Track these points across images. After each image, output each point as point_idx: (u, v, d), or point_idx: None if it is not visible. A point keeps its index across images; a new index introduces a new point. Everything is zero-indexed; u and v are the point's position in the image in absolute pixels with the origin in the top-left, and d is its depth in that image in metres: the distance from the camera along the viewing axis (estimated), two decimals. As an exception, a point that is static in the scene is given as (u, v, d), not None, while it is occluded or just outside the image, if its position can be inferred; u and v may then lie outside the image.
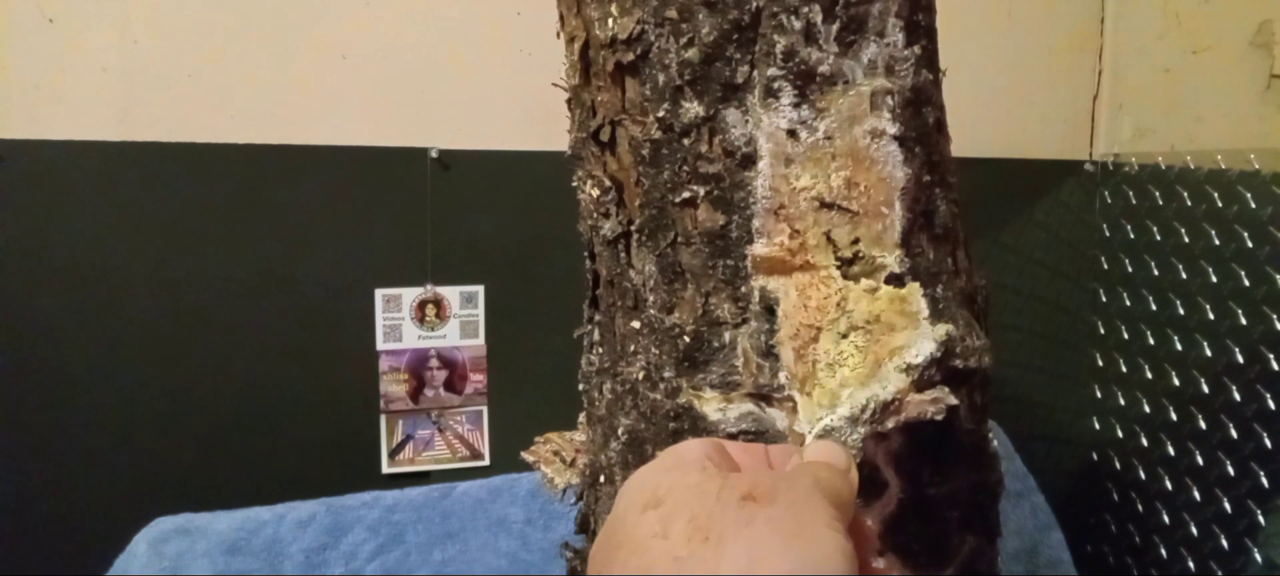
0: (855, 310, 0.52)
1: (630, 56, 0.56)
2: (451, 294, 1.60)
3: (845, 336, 0.52)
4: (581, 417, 0.81)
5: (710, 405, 0.56)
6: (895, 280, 0.54)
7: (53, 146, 1.38)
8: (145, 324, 1.44)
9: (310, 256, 1.52)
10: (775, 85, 0.53)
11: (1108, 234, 1.92)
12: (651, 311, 0.59)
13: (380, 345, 1.56)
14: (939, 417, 0.48)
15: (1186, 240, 1.70)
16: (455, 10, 1.57)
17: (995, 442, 0.63)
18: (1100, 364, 1.93)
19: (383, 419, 1.58)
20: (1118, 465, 1.88)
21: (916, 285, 0.53)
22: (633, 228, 0.60)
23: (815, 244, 0.54)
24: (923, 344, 0.49)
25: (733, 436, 0.55)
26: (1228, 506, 1.58)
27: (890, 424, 0.49)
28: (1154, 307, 1.78)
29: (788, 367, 0.53)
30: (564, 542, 0.86)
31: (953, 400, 0.48)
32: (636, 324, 0.61)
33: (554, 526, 1.45)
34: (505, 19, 1.58)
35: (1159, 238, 1.77)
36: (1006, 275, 1.93)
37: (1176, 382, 1.71)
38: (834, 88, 0.53)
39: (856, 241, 0.54)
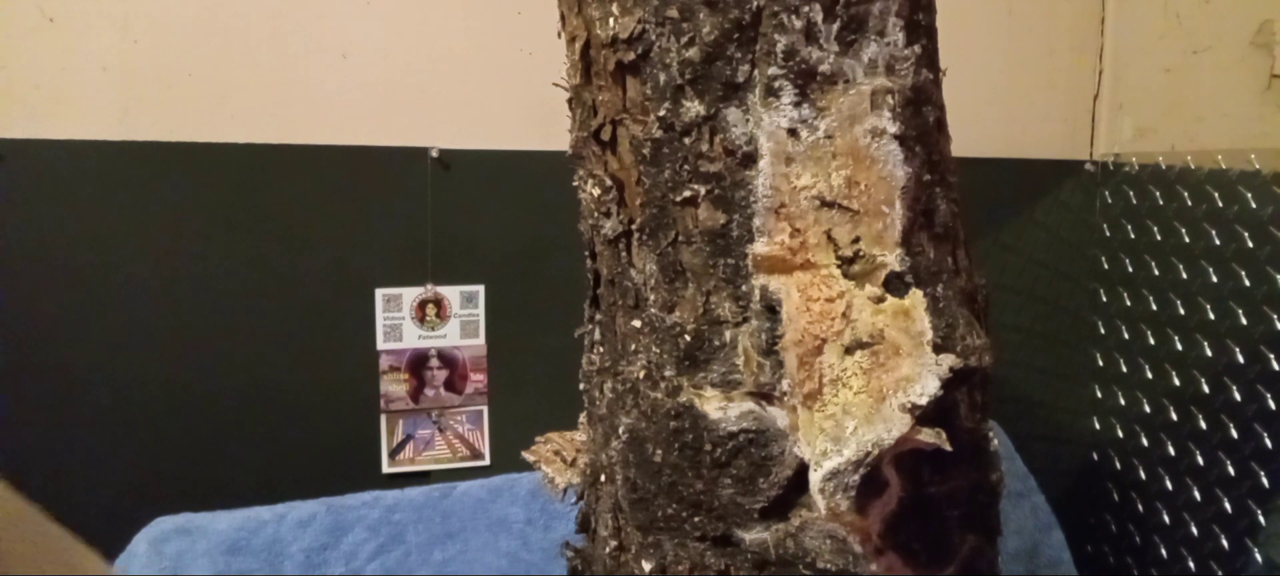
0: (859, 321, 0.52)
1: (631, 56, 0.56)
2: (451, 294, 1.60)
3: (849, 352, 0.52)
4: (582, 417, 0.81)
5: (711, 404, 0.56)
6: (896, 279, 0.54)
7: (53, 146, 1.38)
8: (145, 323, 1.44)
9: (310, 256, 1.52)
10: (776, 84, 0.53)
11: (1108, 234, 1.92)
12: (652, 310, 0.59)
13: (380, 345, 1.56)
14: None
15: (1186, 240, 1.70)
16: (455, 10, 1.57)
17: (995, 442, 0.63)
18: (1100, 364, 1.93)
19: (383, 419, 1.57)
20: (1118, 465, 1.88)
21: (919, 295, 0.53)
22: (633, 227, 0.60)
23: (816, 243, 0.54)
24: (927, 381, 0.49)
25: (733, 434, 0.55)
26: (1228, 506, 1.58)
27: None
28: (1154, 307, 1.78)
29: (791, 375, 0.53)
30: (564, 542, 0.86)
31: (947, 447, 0.49)
32: (637, 323, 0.61)
33: (554, 526, 1.45)
34: (505, 19, 1.58)
35: (1159, 238, 1.77)
36: (1006, 275, 1.93)
37: (1176, 382, 1.71)
38: (834, 87, 0.53)
39: (857, 240, 0.54)
